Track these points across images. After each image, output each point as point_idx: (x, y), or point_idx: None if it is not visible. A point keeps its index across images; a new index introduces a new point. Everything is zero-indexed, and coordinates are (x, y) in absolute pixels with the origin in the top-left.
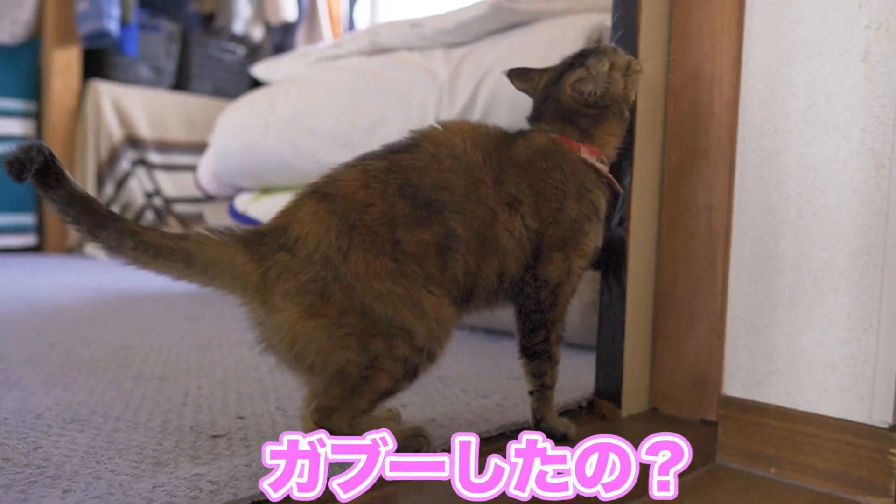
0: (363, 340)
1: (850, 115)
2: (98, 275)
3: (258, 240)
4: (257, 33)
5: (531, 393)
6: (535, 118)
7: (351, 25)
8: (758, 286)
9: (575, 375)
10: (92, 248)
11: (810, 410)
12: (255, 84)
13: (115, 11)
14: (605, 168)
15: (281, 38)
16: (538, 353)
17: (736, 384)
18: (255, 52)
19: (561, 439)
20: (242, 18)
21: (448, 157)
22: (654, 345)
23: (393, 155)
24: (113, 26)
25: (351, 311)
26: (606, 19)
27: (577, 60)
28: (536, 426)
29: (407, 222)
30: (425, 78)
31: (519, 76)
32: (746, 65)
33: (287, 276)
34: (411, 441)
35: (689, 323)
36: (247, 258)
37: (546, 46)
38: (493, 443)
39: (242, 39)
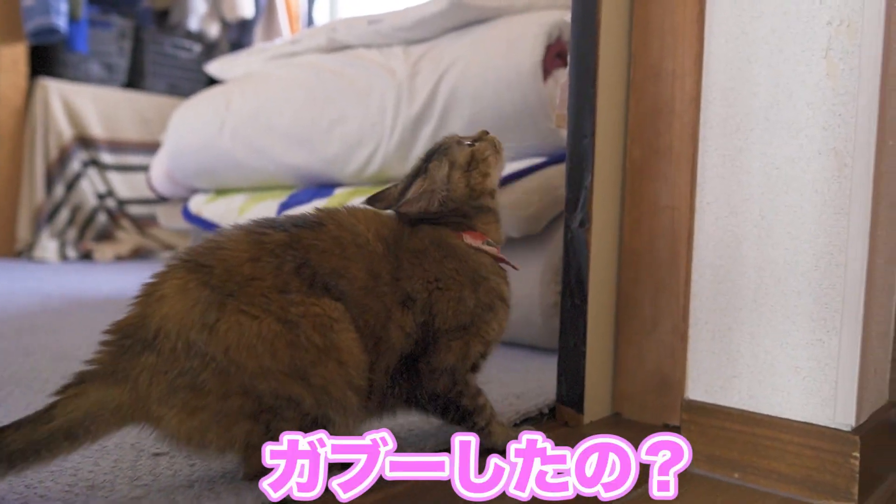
0: (253, 416)
1: (812, 113)
2: (46, 280)
3: (119, 350)
4: (213, 30)
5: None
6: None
7: (310, 22)
8: (721, 287)
9: (536, 379)
10: (41, 252)
11: (773, 414)
12: (212, 82)
13: (62, 7)
14: (494, 250)
15: (238, 35)
16: (462, 419)
17: (699, 388)
18: (211, 50)
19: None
20: (198, 15)
21: (351, 244)
22: (617, 348)
23: (295, 229)
24: (61, 22)
25: (231, 394)
26: (566, 15)
27: (423, 165)
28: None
29: (303, 292)
30: (384, 76)
31: (377, 200)
32: (708, 61)
33: (157, 379)
34: None
35: (652, 325)
36: (114, 387)
37: (507, 43)
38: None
39: (198, 36)
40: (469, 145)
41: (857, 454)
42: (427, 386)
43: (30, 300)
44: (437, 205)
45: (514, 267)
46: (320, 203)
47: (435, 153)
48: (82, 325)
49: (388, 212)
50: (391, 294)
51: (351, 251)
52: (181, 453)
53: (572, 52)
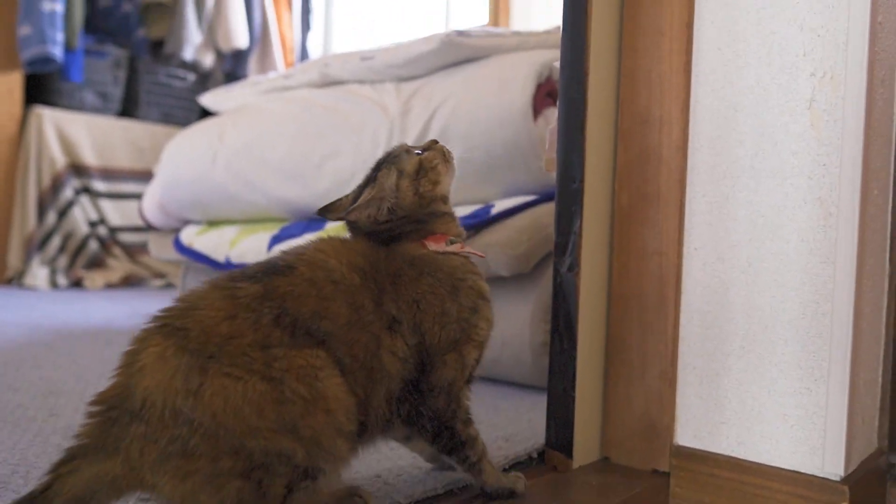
0: (244, 474)
1: (796, 162)
2: (35, 309)
3: (107, 422)
4: (208, 60)
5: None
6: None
7: (303, 53)
8: (709, 333)
9: (527, 420)
10: (31, 280)
11: (762, 462)
12: (206, 111)
13: (59, 36)
14: (459, 246)
15: (232, 66)
16: (453, 449)
17: (688, 433)
18: (205, 79)
19: (510, 496)
20: (192, 45)
21: (326, 281)
22: (606, 392)
23: (268, 278)
24: (57, 51)
25: (222, 455)
26: (556, 55)
27: (372, 174)
28: (483, 492)
29: (285, 344)
30: (376, 112)
31: (328, 210)
32: (695, 109)
33: (148, 449)
34: (349, 502)
35: (641, 370)
36: (106, 461)
37: (498, 82)
38: (440, 501)
39: (192, 66)
40: (418, 154)
41: None
42: (429, 403)
43: (17, 331)
44: (385, 212)
45: (480, 255)
46: (312, 237)
47: (384, 162)
48: (70, 358)
49: (358, 239)
50: (377, 321)
51: (327, 290)
52: None
53: (561, 99)
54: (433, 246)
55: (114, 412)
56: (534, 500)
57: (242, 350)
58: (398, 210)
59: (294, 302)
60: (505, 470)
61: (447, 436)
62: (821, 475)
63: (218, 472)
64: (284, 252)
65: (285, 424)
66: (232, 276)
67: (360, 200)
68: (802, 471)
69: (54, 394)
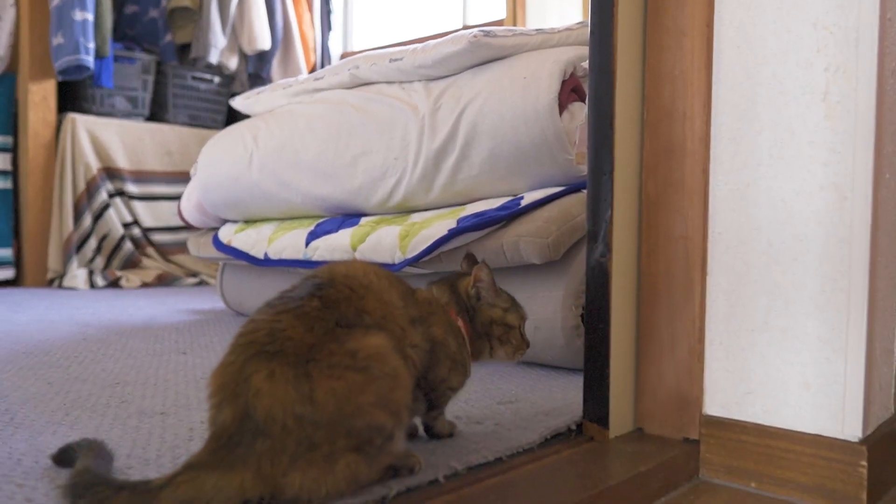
0: (356, 448)
1: (813, 151)
2: (80, 308)
3: (230, 445)
4: (232, 62)
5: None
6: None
7: (325, 53)
8: (733, 311)
9: (563, 398)
10: (71, 281)
11: (786, 427)
12: (232, 113)
13: (90, 45)
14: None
15: (256, 67)
16: (434, 405)
17: (716, 404)
18: (230, 81)
19: (448, 436)
20: (217, 48)
21: (359, 286)
22: (638, 368)
23: (320, 292)
24: (89, 59)
25: (338, 438)
26: (579, 52)
27: (508, 297)
28: (428, 433)
29: (355, 339)
30: (406, 111)
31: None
32: (716, 104)
33: (277, 458)
34: (405, 461)
35: (670, 347)
36: (232, 474)
37: (524, 79)
38: (490, 467)
39: (218, 69)
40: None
41: (865, 463)
42: (428, 394)
43: (70, 329)
44: (475, 299)
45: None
46: (347, 232)
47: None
48: (124, 352)
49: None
50: (403, 316)
51: (361, 292)
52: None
53: (591, 97)
54: (461, 325)
55: (236, 437)
56: (575, 466)
57: (329, 352)
58: (479, 309)
59: (345, 305)
60: (547, 440)
61: (435, 413)
62: (841, 437)
63: (335, 451)
64: (314, 273)
65: (380, 400)
66: (288, 297)
67: (498, 289)
68: (824, 434)
69: (120, 384)
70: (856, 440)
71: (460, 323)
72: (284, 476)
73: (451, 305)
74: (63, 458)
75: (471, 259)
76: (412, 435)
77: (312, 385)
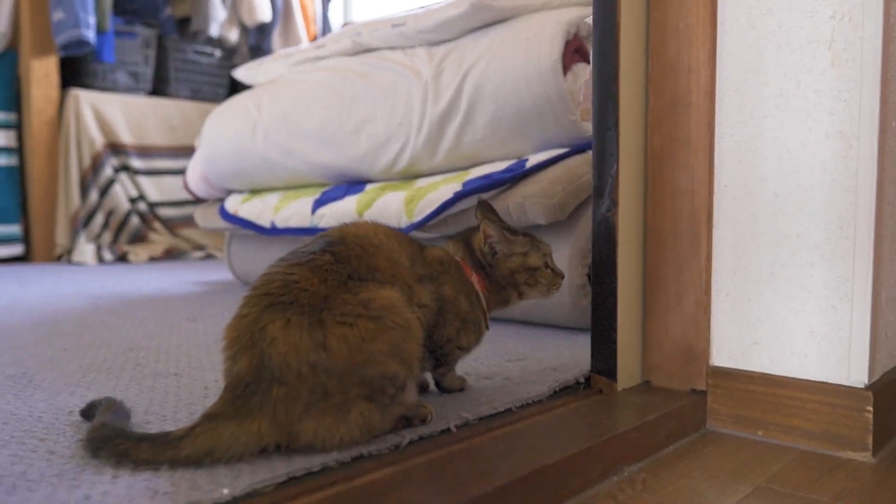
0: (369, 397)
1: (819, 99)
2: (90, 282)
3: (247, 393)
4: (233, 35)
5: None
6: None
7: (325, 24)
8: (740, 262)
9: (570, 355)
10: (79, 256)
11: (793, 375)
12: (234, 86)
13: (91, 20)
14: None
15: (256, 39)
16: (442, 363)
17: (723, 355)
18: (231, 54)
19: (459, 391)
20: (217, 21)
21: (370, 245)
22: (645, 321)
23: (331, 247)
24: (90, 34)
25: (351, 387)
26: (582, 13)
27: (529, 235)
28: (439, 387)
29: (368, 290)
30: (409, 76)
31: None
32: (721, 56)
33: (292, 405)
34: (417, 412)
35: (677, 299)
36: (249, 422)
37: (526, 41)
38: (500, 417)
39: (218, 42)
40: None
41: (871, 408)
42: (437, 352)
43: (81, 301)
44: (491, 254)
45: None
46: (353, 199)
47: (541, 245)
48: (136, 321)
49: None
50: (410, 275)
51: (371, 250)
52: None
53: (595, 52)
54: (476, 280)
55: (252, 386)
56: (583, 417)
57: (343, 302)
58: (496, 264)
59: (356, 261)
60: (556, 392)
61: (444, 369)
62: (847, 384)
63: (348, 400)
64: (325, 232)
65: (393, 349)
66: (302, 252)
67: (512, 236)
68: (830, 381)
69: (133, 349)
70: (861, 386)
71: (476, 279)
72: (299, 423)
73: (466, 262)
74: (90, 413)
75: (484, 206)
76: (423, 389)
77: (326, 332)
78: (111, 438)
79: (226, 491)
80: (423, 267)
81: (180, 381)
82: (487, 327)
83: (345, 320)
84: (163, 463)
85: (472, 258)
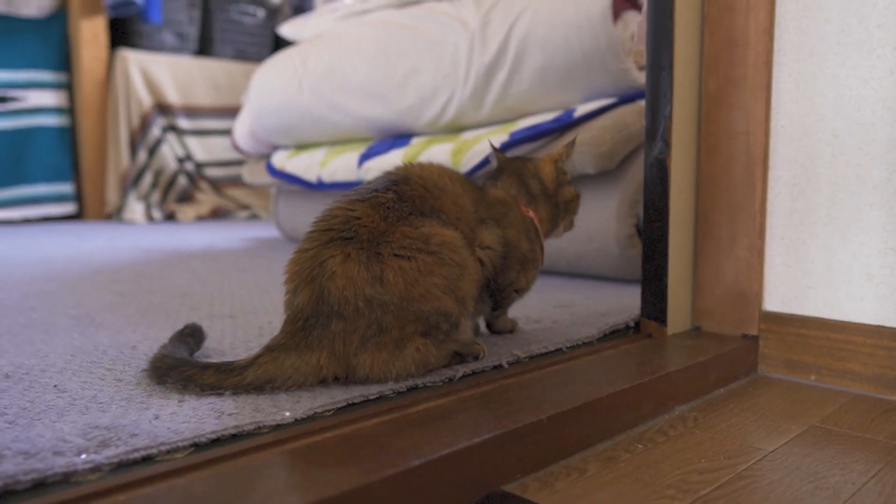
0: (424, 333)
1: (882, 35)
2: (141, 237)
3: (307, 327)
4: None
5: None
6: (493, 178)
7: None
8: (796, 205)
9: (618, 303)
10: (129, 214)
11: (847, 319)
12: (277, 45)
13: None
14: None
15: None
16: (498, 305)
17: (776, 299)
18: (274, 14)
19: (510, 332)
20: None
21: (434, 187)
22: (697, 266)
23: (395, 186)
24: None
25: (407, 322)
26: None
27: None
28: (490, 329)
29: (430, 226)
30: (456, 27)
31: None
32: None
33: (350, 338)
34: (470, 348)
35: (730, 244)
36: (309, 353)
37: None
38: (551, 356)
39: (262, 2)
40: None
41: None
42: (496, 295)
43: (134, 254)
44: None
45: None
46: (399, 152)
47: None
48: (188, 271)
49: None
50: (473, 219)
51: (435, 192)
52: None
53: None
54: (532, 215)
55: (312, 319)
56: (633, 357)
57: (403, 236)
58: (562, 190)
59: (419, 202)
60: (605, 335)
61: (498, 312)
62: None
63: (405, 336)
64: (388, 171)
65: (449, 285)
66: (364, 190)
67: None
68: (886, 325)
69: (188, 295)
70: None
71: (532, 214)
72: (356, 356)
73: (520, 198)
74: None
75: (497, 150)
76: (475, 332)
77: (383, 265)
78: (177, 366)
79: (287, 413)
80: (486, 210)
81: (236, 322)
82: (542, 262)
83: (403, 253)
84: (227, 388)
85: (526, 192)
